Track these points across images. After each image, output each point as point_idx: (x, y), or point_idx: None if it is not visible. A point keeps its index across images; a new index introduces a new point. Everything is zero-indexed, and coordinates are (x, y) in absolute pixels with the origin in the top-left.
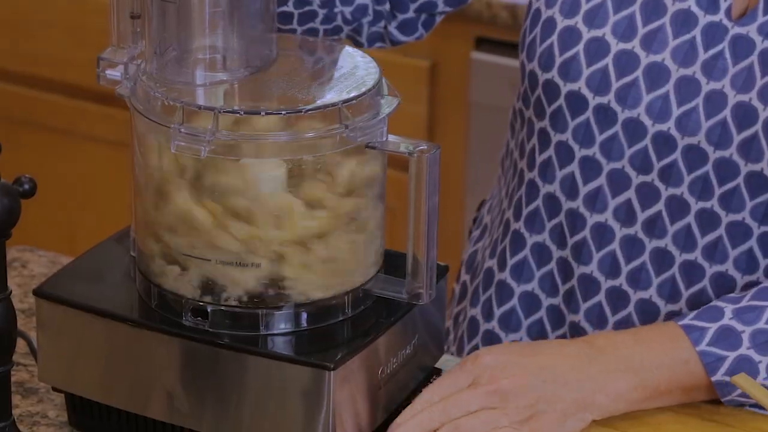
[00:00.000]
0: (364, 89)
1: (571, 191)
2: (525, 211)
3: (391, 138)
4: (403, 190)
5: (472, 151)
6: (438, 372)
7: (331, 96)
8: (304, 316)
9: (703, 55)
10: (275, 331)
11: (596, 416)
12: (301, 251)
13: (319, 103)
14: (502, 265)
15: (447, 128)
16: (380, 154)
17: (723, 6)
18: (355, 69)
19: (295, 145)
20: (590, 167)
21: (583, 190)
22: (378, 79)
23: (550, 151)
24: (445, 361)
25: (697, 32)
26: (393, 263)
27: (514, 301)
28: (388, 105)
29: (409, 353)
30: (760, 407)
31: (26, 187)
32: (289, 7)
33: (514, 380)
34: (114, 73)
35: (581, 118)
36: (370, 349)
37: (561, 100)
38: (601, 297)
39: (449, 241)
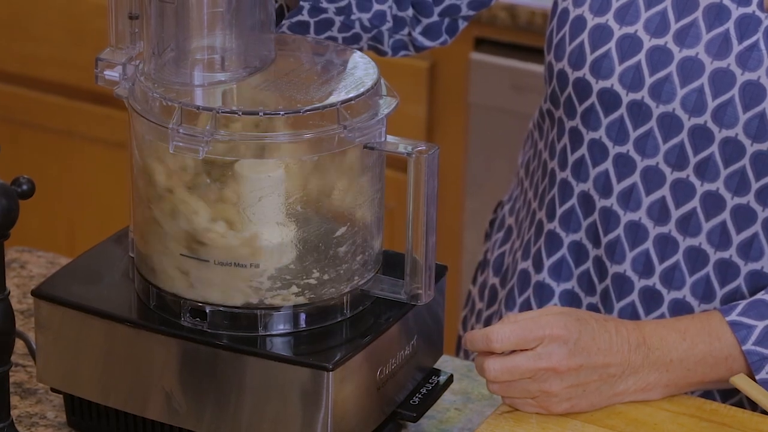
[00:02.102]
0: (362, 89)
1: (605, 189)
2: (559, 211)
3: (390, 138)
4: (402, 190)
5: (471, 151)
6: (437, 372)
7: (329, 96)
8: (303, 316)
9: (737, 47)
10: (274, 332)
11: (617, 398)
12: (300, 251)
13: (317, 103)
14: (538, 266)
15: (446, 129)
16: (379, 154)
17: None
18: (354, 69)
19: (294, 145)
20: (624, 164)
21: (617, 187)
22: (376, 79)
23: (583, 150)
24: (444, 362)
25: (730, 24)
26: (392, 264)
27: (555, 301)
28: (386, 105)
29: (408, 354)
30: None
31: (25, 187)
32: (305, 17)
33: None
34: (112, 74)
35: (615, 115)
36: (369, 349)
37: (593, 98)
38: (634, 297)
39: (448, 242)
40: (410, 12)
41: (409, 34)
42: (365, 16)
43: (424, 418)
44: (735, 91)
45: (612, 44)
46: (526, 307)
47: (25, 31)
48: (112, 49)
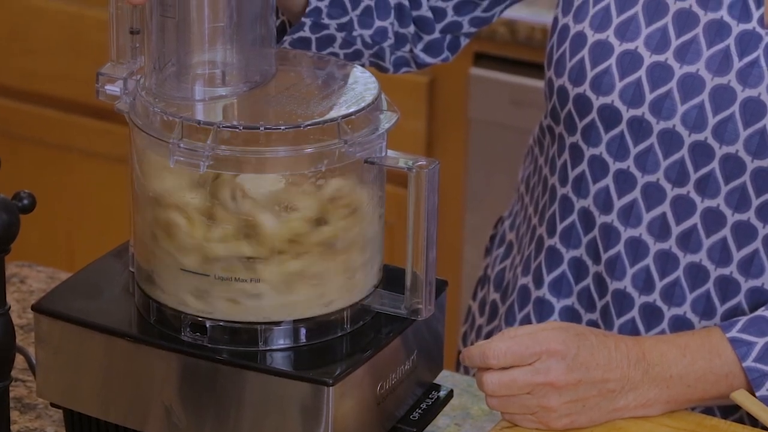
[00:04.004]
0: (363, 104)
1: (606, 205)
2: (560, 227)
3: (390, 153)
4: (402, 205)
5: (471, 166)
6: (437, 388)
7: (330, 111)
8: (303, 331)
9: (738, 64)
10: (274, 347)
11: (617, 414)
12: (300, 266)
13: (318, 118)
14: (538, 282)
15: (446, 143)
16: (379, 169)
17: (755, 15)
18: (354, 84)
19: (294, 160)
20: (625, 180)
21: (618, 204)
22: (377, 94)
23: (584, 166)
24: (444, 377)
25: (731, 41)
26: (392, 278)
27: (555, 317)
28: (387, 120)
29: (408, 369)
30: None
31: (25, 202)
32: (307, 33)
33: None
34: (113, 89)
35: (615, 131)
36: (369, 364)
37: (593, 114)
38: (634, 313)
39: (448, 257)
40: (412, 29)
41: (411, 50)
42: (367, 33)
43: None
44: (735, 108)
45: (612, 60)
46: (526, 323)
47: (24, 45)
48: (113, 64)
